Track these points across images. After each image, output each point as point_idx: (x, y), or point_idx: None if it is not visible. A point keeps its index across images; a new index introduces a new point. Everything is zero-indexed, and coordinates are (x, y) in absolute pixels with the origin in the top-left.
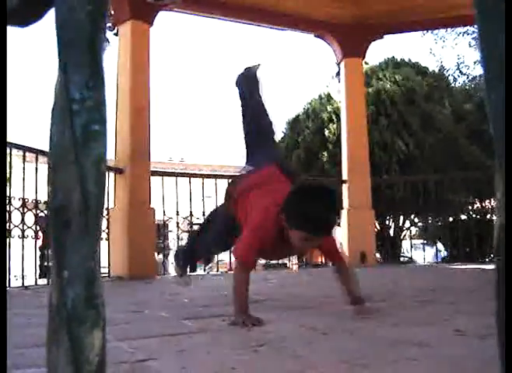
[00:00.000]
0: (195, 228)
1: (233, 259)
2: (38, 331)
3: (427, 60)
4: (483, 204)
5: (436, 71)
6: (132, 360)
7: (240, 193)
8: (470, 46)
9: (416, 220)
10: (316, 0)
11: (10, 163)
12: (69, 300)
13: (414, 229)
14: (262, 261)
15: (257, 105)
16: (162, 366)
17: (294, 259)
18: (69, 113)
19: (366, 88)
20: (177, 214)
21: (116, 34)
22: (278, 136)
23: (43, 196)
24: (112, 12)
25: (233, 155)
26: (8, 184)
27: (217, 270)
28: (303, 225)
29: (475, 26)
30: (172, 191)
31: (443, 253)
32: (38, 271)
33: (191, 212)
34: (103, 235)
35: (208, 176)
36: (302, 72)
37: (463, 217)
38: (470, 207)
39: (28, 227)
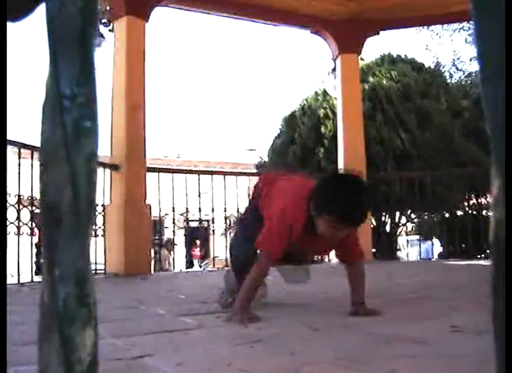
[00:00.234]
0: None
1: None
2: (33, 328)
3: (423, 56)
4: (479, 200)
5: (432, 67)
6: (128, 356)
7: (266, 182)
8: (466, 42)
9: (412, 216)
10: None
11: None
12: (60, 299)
13: (410, 225)
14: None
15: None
16: (158, 362)
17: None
18: (60, 109)
19: (362, 85)
20: (173, 211)
21: (111, 30)
22: (275, 132)
23: (38, 193)
24: (108, 8)
25: (229, 152)
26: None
27: (213, 266)
28: (332, 209)
29: (471, 22)
30: (168, 187)
31: (434, 249)
32: (34, 268)
33: (187, 208)
34: (99, 232)
35: (204, 173)
36: (298, 68)
37: (459, 213)
38: (466, 204)
39: (24, 223)
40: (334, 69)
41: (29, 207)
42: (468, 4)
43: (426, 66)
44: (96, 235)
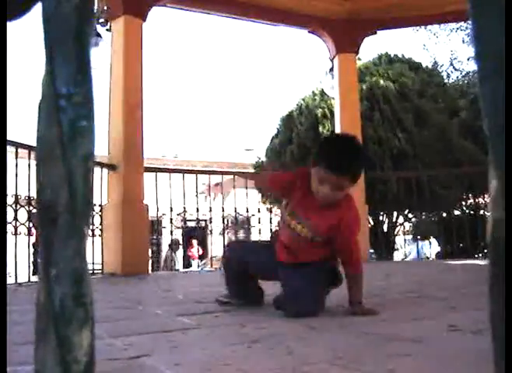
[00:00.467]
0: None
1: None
2: (30, 328)
3: (420, 56)
4: (476, 200)
5: (430, 66)
6: (126, 356)
7: None
8: (463, 42)
9: (410, 215)
10: None
11: None
12: (57, 298)
13: (407, 225)
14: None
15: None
16: (155, 362)
17: None
18: (56, 108)
19: (359, 84)
20: (171, 211)
21: (109, 30)
22: (272, 132)
23: (35, 193)
24: (105, 8)
25: (227, 152)
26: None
27: (211, 266)
28: (320, 158)
29: (468, 22)
30: (165, 187)
31: (431, 249)
32: (32, 268)
33: (184, 208)
34: (97, 232)
35: (202, 172)
36: (295, 68)
37: (456, 212)
38: (463, 203)
39: (21, 223)
40: (331, 69)
41: (27, 207)
42: (465, 3)
43: (424, 66)
44: (93, 235)
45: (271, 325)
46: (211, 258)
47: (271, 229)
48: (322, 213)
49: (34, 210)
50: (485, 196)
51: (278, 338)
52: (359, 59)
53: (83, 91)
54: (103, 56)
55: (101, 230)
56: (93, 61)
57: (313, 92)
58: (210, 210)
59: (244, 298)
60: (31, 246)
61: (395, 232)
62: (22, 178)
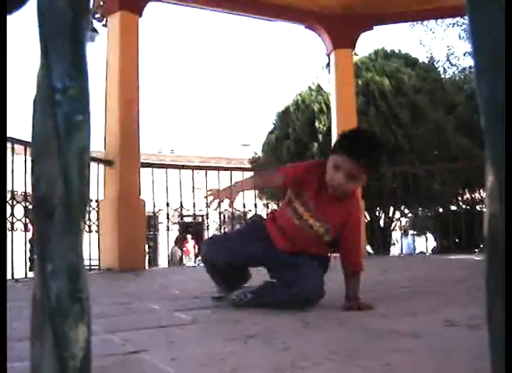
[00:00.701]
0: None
1: None
2: (27, 324)
3: (417, 51)
4: (473, 195)
5: (426, 62)
6: (123, 352)
7: None
8: (460, 37)
9: (406, 211)
10: None
11: None
12: (53, 294)
13: (404, 220)
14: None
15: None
16: (152, 358)
17: None
18: (51, 102)
19: (355, 80)
20: (167, 206)
21: (105, 25)
22: (269, 127)
23: (31, 188)
24: (101, 3)
25: (223, 147)
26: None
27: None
28: (343, 146)
29: (465, 18)
30: (162, 183)
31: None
32: (28, 264)
33: (181, 203)
34: (94, 228)
35: (199, 168)
36: (292, 63)
37: (453, 207)
38: (460, 198)
39: (17, 219)
40: (328, 64)
41: (23, 203)
42: None
43: (420, 61)
44: (90, 231)
45: (268, 321)
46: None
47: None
48: (331, 209)
49: (31, 206)
50: (482, 191)
51: (275, 333)
52: (356, 54)
53: (79, 85)
54: (100, 51)
55: (98, 226)
56: (89, 55)
57: (309, 87)
58: (207, 206)
59: (235, 286)
60: (28, 242)
61: (392, 227)
62: (19, 174)
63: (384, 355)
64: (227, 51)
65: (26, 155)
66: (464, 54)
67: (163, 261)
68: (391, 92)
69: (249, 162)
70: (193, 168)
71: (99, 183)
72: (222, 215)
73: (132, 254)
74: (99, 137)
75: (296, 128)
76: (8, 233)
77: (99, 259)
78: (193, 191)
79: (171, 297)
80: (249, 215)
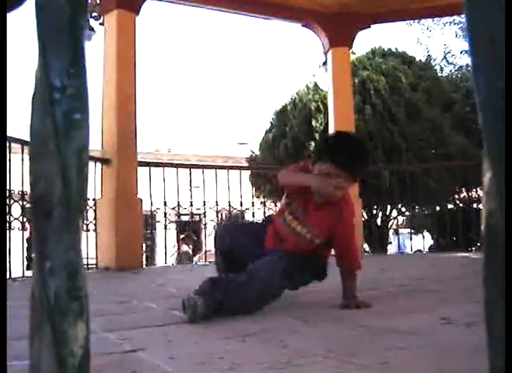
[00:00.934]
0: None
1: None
2: (25, 323)
3: (414, 49)
4: (469, 193)
5: (423, 60)
6: (121, 350)
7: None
8: (456, 36)
9: (403, 209)
10: None
11: None
12: (51, 292)
13: (401, 218)
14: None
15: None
16: (150, 356)
17: None
18: (50, 101)
19: (352, 78)
20: (165, 205)
21: (102, 24)
22: (266, 126)
23: (29, 187)
24: (98, 2)
25: (220, 146)
26: None
27: (205, 260)
28: (327, 154)
29: (462, 16)
30: (159, 182)
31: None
32: (26, 263)
33: (178, 202)
34: (91, 226)
35: (196, 166)
36: (289, 62)
37: (449, 206)
38: (456, 196)
39: (15, 218)
40: (325, 63)
41: (20, 202)
42: None
43: (417, 60)
44: (87, 230)
45: (265, 319)
46: (205, 252)
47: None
48: (319, 214)
49: (28, 205)
50: (478, 189)
51: (272, 331)
52: (353, 53)
53: (77, 83)
54: (97, 50)
55: (95, 224)
56: (87, 54)
57: (306, 85)
58: (204, 205)
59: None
60: (25, 241)
61: (389, 226)
62: (16, 173)
63: (382, 353)
64: (224, 50)
65: (23, 153)
66: (461, 53)
67: (160, 260)
68: (388, 91)
69: (246, 160)
70: (190, 166)
71: (96, 181)
72: (219, 214)
73: (130, 253)
74: (97, 136)
75: (294, 127)
76: (6, 232)
77: (96, 258)
78: (190, 190)
79: (169, 295)
80: (246, 214)
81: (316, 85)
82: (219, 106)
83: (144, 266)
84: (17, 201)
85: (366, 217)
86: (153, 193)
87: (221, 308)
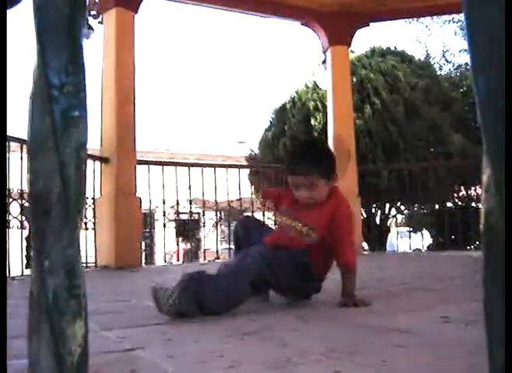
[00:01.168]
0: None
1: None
2: (24, 322)
3: (413, 48)
4: (468, 192)
5: (422, 59)
6: (120, 349)
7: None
8: (455, 34)
9: (402, 208)
10: None
11: None
12: (50, 290)
13: (400, 217)
14: None
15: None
16: (149, 355)
17: None
18: (48, 98)
19: (351, 77)
20: (164, 203)
21: (101, 22)
22: (265, 125)
23: (27, 185)
24: (97, 0)
25: (220, 144)
26: None
27: (204, 259)
28: (285, 167)
29: (461, 14)
30: (158, 180)
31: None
32: (25, 261)
33: (177, 201)
34: (90, 225)
35: (195, 165)
36: (288, 61)
37: (448, 204)
38: (455, 195)
39: (14, 217)
40: (324, 61)
41: (19, 201)
42: None
43: (416, 58)
44: (86, 229)
45: (264, 317)
46: (204, 251)
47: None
48: (312, 211)
49: (27, 204)
50: (477, 188)
51: (272, 330)
52: (352, 52)
53: (75, 81)
54: (96, 49)
55: (94, 223)
56: (85, 52)
57: (305, 84)
58: (203, 203)
59: None
60: (24, 240)
61: (388, 224)
62: (15, 171)
63: (381, 351)
64: (223, 48)
65: (22, 152)
66: (460, 51)
67: (159, 259)
68: (386, 90)
69: (245, 159)
70: (189, 165)
71: (95, 180)
72: (218, 213)
73: (128, 251)
74: (96, 135)
75: (293, 125)
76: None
77: (95, 257)
78: (189, 188)
79: None
80: (245, 213)
81: (315, 83)
82: (218, 104)
83: (143, 265)
84: (16, 200)
85: (365, 215)
86: (152, 192)
87: (198, 300)
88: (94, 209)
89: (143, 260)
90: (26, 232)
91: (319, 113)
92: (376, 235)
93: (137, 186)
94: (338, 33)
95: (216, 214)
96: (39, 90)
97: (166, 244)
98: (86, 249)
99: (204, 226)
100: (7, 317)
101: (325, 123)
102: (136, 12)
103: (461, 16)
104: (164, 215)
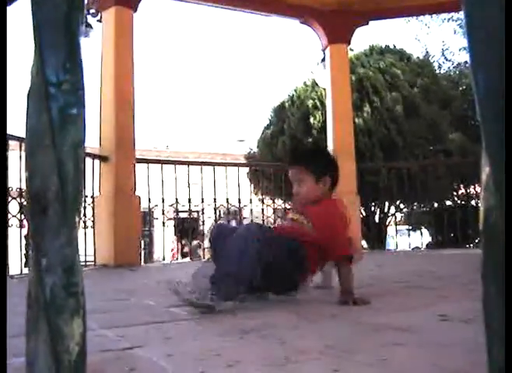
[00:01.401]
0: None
1: None
2: (22, 320)
3: (412, 46)
4: (468, 190)
5: (421, 57)
6: (118, 348)
7: None
8: (455, 32)
9: (401, 206)
10: None
11: None
12: (48, 288)
13: (399, 215)
14: None
15: None
16: (148, 353)
17: None
18: (46, 96)
19: (350, 75)
20: (163, 202)
21: (100, 20)
22: (264, 123)
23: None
24: None
25: (219, 143)
26: None
27: (203, 257)
28: None
29: (460, 13)
30: (157, 179)
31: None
32: (24, 260)
33: (176, 199)
34: (89, 223)
35: (194, 163)
36: (287, 59)
37: (448, 203)
38: (455, 193)
39: (13, 215)
40: (323, 59)
41: (18, 199)
42: None
43: (415, 57)
44: (85, 227)
45: (263, 315)
46: (203, 249)
47: (262, 220)
48: (308, 209)
49: (25, 202)
50: (477, 186)
51: (270, 328)
52: (351, 50)
53: (73, 78)
54: (94, 47)
55: (93, 221)
56: (84, 50)
57: (304, 82)
58: (202, 201)
59: None
60: (23, 238)
61: (387, 223)
62: (13, 170)
63: (380, 349)
64: (222, 46)
65: (20, 150)
66: (460, 50)
67: (158, 257)
68: (386, 88)
69: (245, 157)
70: (188, 163)
71: (94, 178)
72: (217, 211)
73: (128, 250)
74: (95, 133)
75: (292, 124)
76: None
77: (94, 255)
78: (188, 187)
79: (166, 292)
80: (244, 211)
81: (314, 82)
82: (217, 103)
83: (142, 264)
84: (15, 198)
85: (364, 214)
86: (151, 190)
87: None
88: (93, 207)
89: (142, 259)
90: (24, 231)
91: (318, 111)
92: (376, 234)
93: (136, 185)
94: (338, 31)
95: (215, 213)
96: (36, 87)
97: (165, 242)
98: (86, 248)
99: (203, 224)
100: (8, 316)
101: (324, 122)
102: (135, 11)
103: (461, 15)
104: (163, 214)
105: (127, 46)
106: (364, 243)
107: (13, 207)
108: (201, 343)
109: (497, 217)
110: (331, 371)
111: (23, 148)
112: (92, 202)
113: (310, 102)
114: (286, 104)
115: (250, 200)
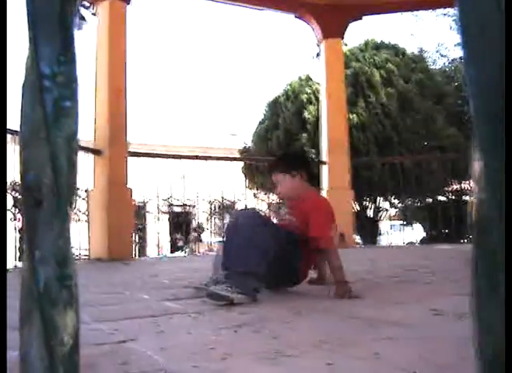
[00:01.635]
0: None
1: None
2: (16, 314)
3: (407, 42)
4: (461, 185)
5: (416, 53)
6: (112, 341)
7: None
8: (450, 28)
9: (396, 201)
10: None
11: None
12: (41, 281)
13: (393, 210)
14: None
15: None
16: (141, 347)
17: None
18: (40, 88)
19: (345, 70)
20: (157, 196)
21: (94, 13)
22: (259, 117)
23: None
24: None
25: (213, 137)
26: None
27: (198, 252)
28: None
29: (455, 8)
30: (152, 173)
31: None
32: (18, 254)
33: (170, 194)
34: (83, 217)
35: (188, 157)
36: (282, 53)
37: (441, 198)
38: (448, 189)
39: (7, 209)
40: (318, 54)
41: (12, 193)
42: None
43: (410, 52)
44: (79, 221)
45: (257, 310)
46: (199, 241)
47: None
48: (293, 208)
49: (20, 195)
50: (470, 181)
51: (264, 322)
52: (346, 44)
53: (67, 71)
54: (88, 40)
55: (87, 215)
56: (77, 42)
57: (299, 77)
58: (196, 196)
59: None
60: (17, 232)
61: (381, 218)
62: (8, 163)
63: (372, 344)
64: (217, 41)
65: (14, 144)
66: (455, 45)
67: (152, 251)
68: (380, 83)
69: (239, 152)
70: (182, 157)
71: (88, 172)
72: (211, 205)
73: (121, 244)
74: (88, 127)
75: (286, 118)
76: None
77: (88, 249)
78: (183, 180)
79: (160, 286)
80: (238, 205)
81: (308, 76)
82: (211, 97)
83: (135, 257)
84: (9, 192)
85: (358, 209)
86: (146, 184)
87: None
88: (87, 201)
89: (136, 253)
90: (19, 224)
91: (312, 105)
92: (369, 229)
93: (128, 178)
94: (332, 25)
95: (210, 207)
96: (30, 80)
97: (159, 236)
98: (80, 242)
99: (198, 218)
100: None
101: (318, 116)
102: (129, 3)
103: (456, 9)
104: (158, 208)
105: (121, 39)
106: (358, 238)
107: (7, 200)
108: (194, 337)
109: (488, 212)
110: (324, 365)
111: (17, 141)
112: (86, 196)
113: (304, 97)
114: (281, 99)
115: (245, 194)
